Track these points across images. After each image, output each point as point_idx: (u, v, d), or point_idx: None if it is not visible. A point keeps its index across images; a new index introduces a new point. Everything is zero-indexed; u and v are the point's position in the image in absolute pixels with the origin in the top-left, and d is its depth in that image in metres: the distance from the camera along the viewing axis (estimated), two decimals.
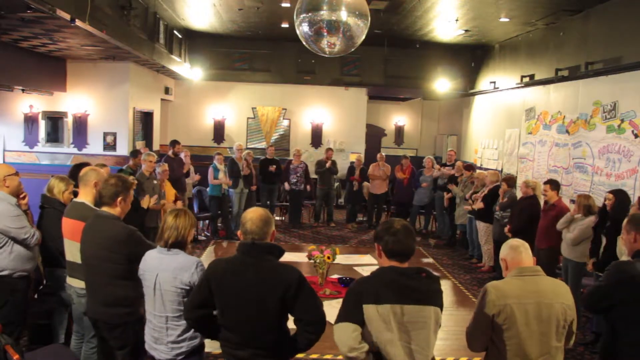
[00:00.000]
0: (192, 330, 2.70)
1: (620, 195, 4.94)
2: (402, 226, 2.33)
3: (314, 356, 4.04)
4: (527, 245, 2.61)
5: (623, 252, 4.43)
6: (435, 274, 2.39)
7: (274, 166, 9.30)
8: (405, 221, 2.42)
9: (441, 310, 2.32)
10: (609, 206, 4.92)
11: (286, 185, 9.64)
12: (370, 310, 2.21)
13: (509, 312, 2.39)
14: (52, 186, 4.05)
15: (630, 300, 2.68)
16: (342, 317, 2.27)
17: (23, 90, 8.42)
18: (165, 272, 2.68)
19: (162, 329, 2.73)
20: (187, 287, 2.66)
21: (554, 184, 5.93)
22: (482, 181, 7.56)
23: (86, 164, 4.65)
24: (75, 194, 3.91)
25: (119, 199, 3.10)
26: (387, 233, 2.32)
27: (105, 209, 3.12)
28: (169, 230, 2.72)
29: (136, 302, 3.02)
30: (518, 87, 8.99)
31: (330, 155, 9.95)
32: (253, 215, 2.47)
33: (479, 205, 7.29)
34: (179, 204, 6.57)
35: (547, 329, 2.40)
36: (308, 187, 9.72)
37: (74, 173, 4.56)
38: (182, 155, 8.44)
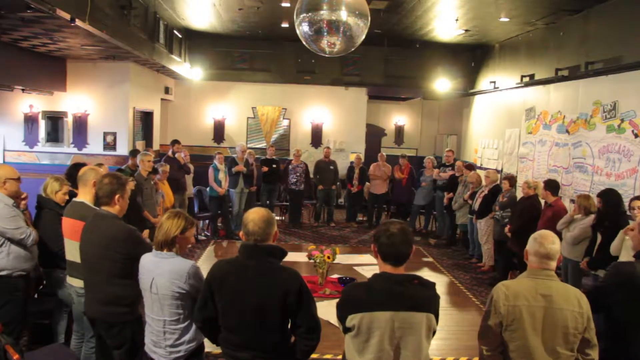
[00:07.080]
0: (190, 333, 2.69)
1: (607, 196, 4.97)
2: (399, 230, 2.27)
3: (314, 356, 4.04)
4: (554, 236, 2.50)
5: (622, 249, 4.44)
6: (431, 280, 2.33)
7: (266, 167, 9.32)
8: (404, 224, 2.35)
9: (436, 315, 2.28)
10: (601, 208, 4.97)
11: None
12: (357, 319, 2.19)
13: (517, 313, 2.37)
14: (46, 186, 4.05)
15: (630, 301, 2.66)
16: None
17: (23, 90, 8.42)
18: (161, 276, 2.66)
19: (160, 333, 2.71)
20: (184, 291, 2.65)
21: (547, 184, 6.04)
22: (479, 181, 7.71)
23: (83, 164, 4.64)
24: (72, 194, 3.91)
25: (117, 196, 3.09)
26: (383, 235, 2.28)
27: (104, 208, 3.11)
28: (157, 231, 2.73)
29: (134, 301, 3.02)
30: (518, 87, 8.98)
31: (328, 152, 9.99)
32: (255, 216, 2.45)
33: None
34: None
35: (554, 334, 2.36)
36: (302, 186, 9.71)
37: (71, 173, 4.55)
38: (181, 155, 8.44)
